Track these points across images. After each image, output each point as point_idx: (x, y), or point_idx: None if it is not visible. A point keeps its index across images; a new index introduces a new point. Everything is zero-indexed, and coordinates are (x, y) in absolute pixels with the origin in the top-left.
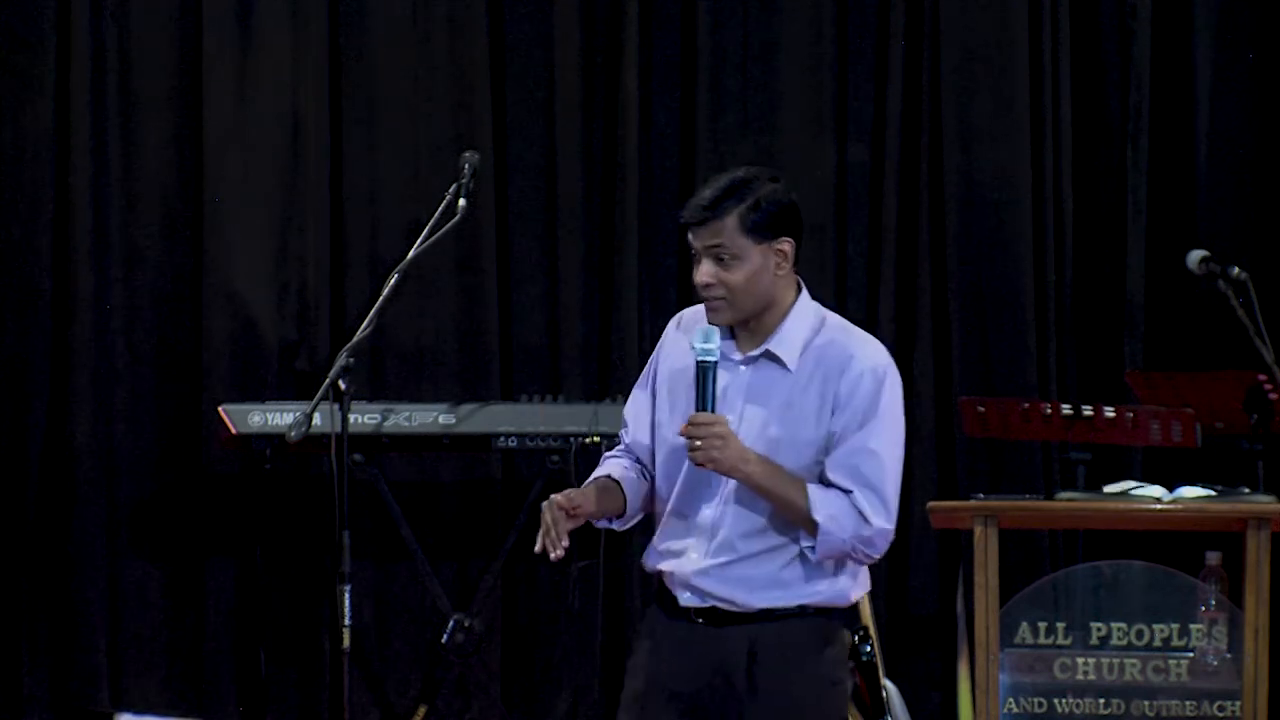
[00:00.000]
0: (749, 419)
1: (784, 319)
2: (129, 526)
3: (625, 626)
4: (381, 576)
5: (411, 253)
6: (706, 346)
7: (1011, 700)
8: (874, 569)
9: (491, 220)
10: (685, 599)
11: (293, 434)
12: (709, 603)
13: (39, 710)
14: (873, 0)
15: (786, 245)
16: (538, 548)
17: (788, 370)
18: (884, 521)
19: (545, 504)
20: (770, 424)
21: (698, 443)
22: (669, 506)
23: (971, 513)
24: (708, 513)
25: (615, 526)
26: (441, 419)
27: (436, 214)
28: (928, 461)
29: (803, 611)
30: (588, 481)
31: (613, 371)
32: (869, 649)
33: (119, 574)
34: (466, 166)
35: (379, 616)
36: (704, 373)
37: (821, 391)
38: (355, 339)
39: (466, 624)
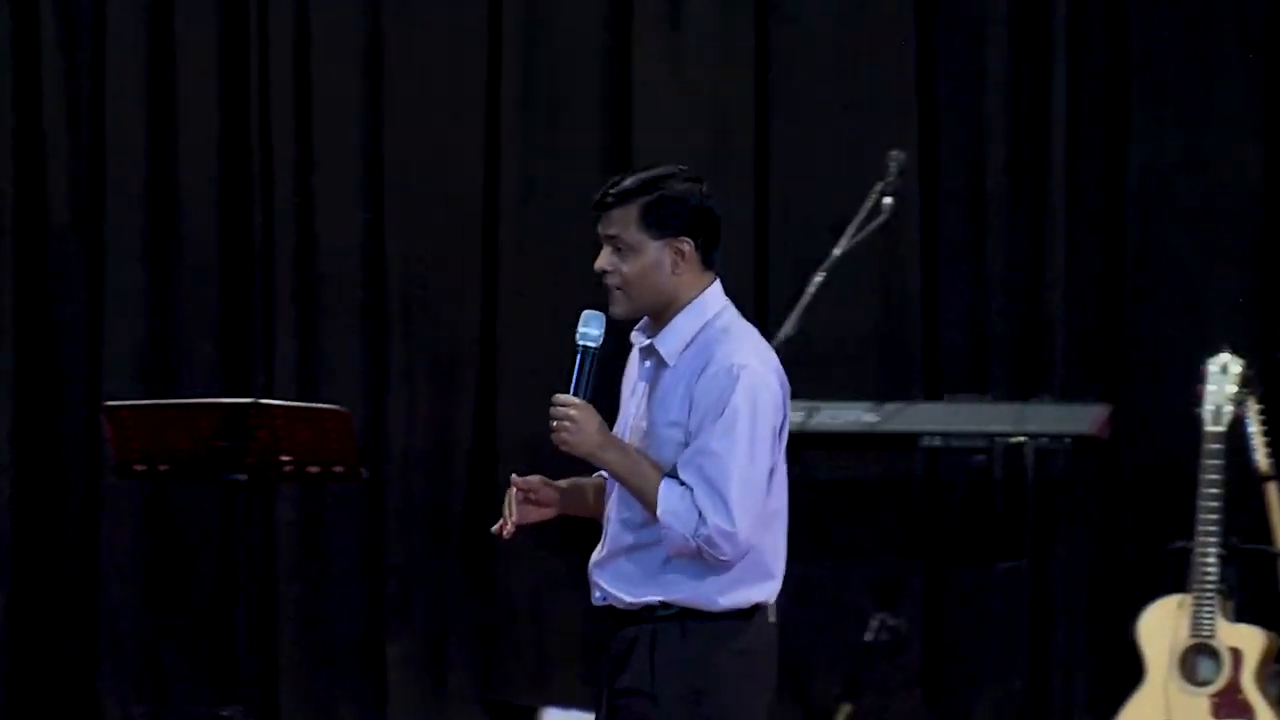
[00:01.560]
0: (634, 409)
1: (675, 316)
2: (555, 523)
3: (1052, 628)
4: (805, 574)
5: (837, 250)
6: (585, 330)
7: None
8: None
9: (916, 218)
10: (594, 597)
11: None
12: (606, 600)
13: (465, 704)
14: None
15: (685, 245)
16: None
17: (669, 366)
18: (722, 522)
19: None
20: (651, 417)
21: (553, 424)
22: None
23: None
24: (608, 507)
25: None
26: (865, 417)
27: (862, 212)
28: None
29: (671, 613)
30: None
31: (1040, 370)
32: None
33: (543, 571)
34: (893, 165)
35: (802, 614)
36: (579, 356)
37: (686, 389)
38: (779, 337)
39: (889, 623)
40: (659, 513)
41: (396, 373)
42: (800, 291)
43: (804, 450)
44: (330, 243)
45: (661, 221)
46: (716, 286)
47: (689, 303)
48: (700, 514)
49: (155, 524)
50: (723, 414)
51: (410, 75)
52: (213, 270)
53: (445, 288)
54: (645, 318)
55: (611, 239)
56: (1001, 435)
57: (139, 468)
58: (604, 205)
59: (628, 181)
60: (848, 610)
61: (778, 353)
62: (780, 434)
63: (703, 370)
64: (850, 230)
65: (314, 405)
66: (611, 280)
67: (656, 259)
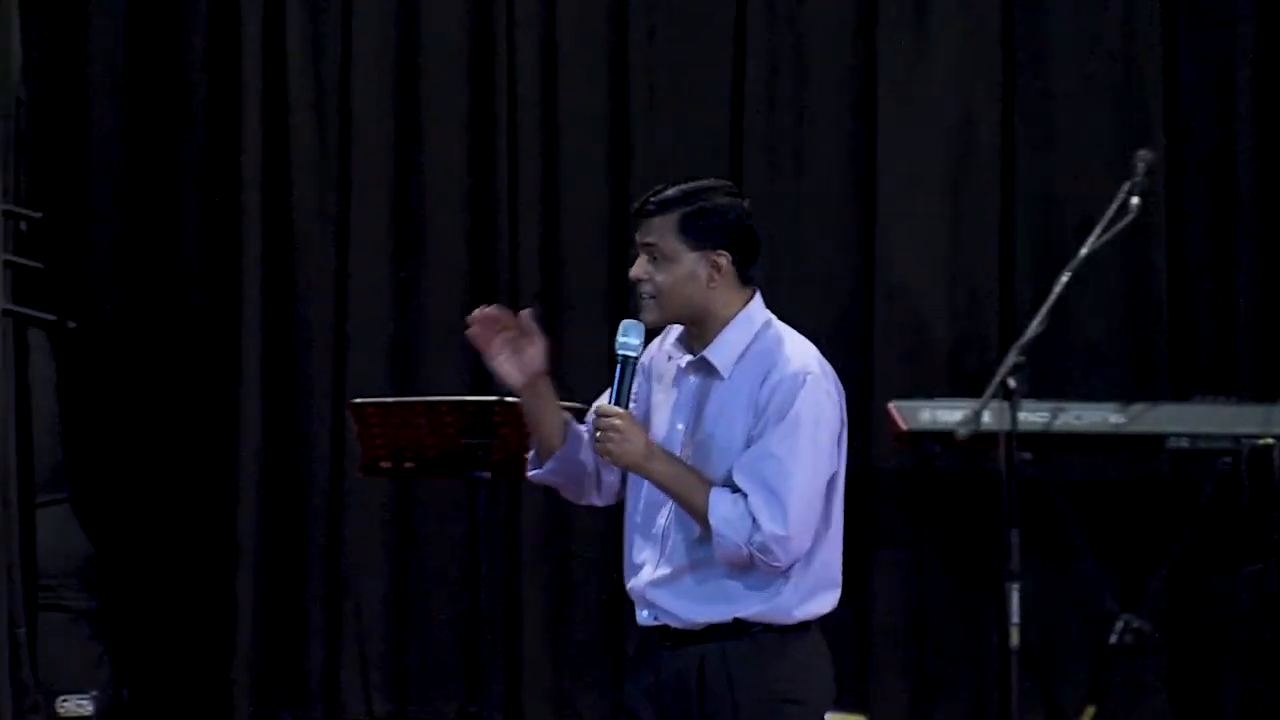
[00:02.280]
0: (685, 423)
1: (724, 328)
2: None
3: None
4: (1049, 575)
5: (1084, 251)
6: (625, 340)
7: None
8: None
9: (1162, 219)
10: (642, 617)
11: (962, 431)
12: (661, 620)
13: None
14: None
15: (722, 258)
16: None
17: (722, 378)
18: (778, 527)
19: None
20: (702, 429)
21: (598, 435)
22: (636, 516)
23: None
24: (660, 522)
25: (536, 472)
26: (1111, 418)
27: (1109, 212)
28: None
29: (743, 628)
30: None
31: None
32: None
33: None
34: (1141, 165)
35: (1047, 615)
36: (619, 366)
37: (748, 398)
38: (1025, 337)
39: (1135, 625)
40: (712, 521)
41: None
42: (1046, 292)
43: (1050, 452)
44: (574, 243)
45: (700, 232)
46: (758, 300)
47: (733, 317)
48: (754, 519)
49: (400, 522)
50: (785, 419)
51: (654, 79)
52: (459, 270)
53: None
54: (677, 337)
55: (649, 247)
56: (1249, 437)
57: (385, 465)
58: (643, 213)
59: (670, 191)
60: (1092, 612)
61: (1025, 353)
62: (840, 442)
63: (765, 377)
64: (1097, 230)
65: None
66: (645, 289)
67: (692, 270)
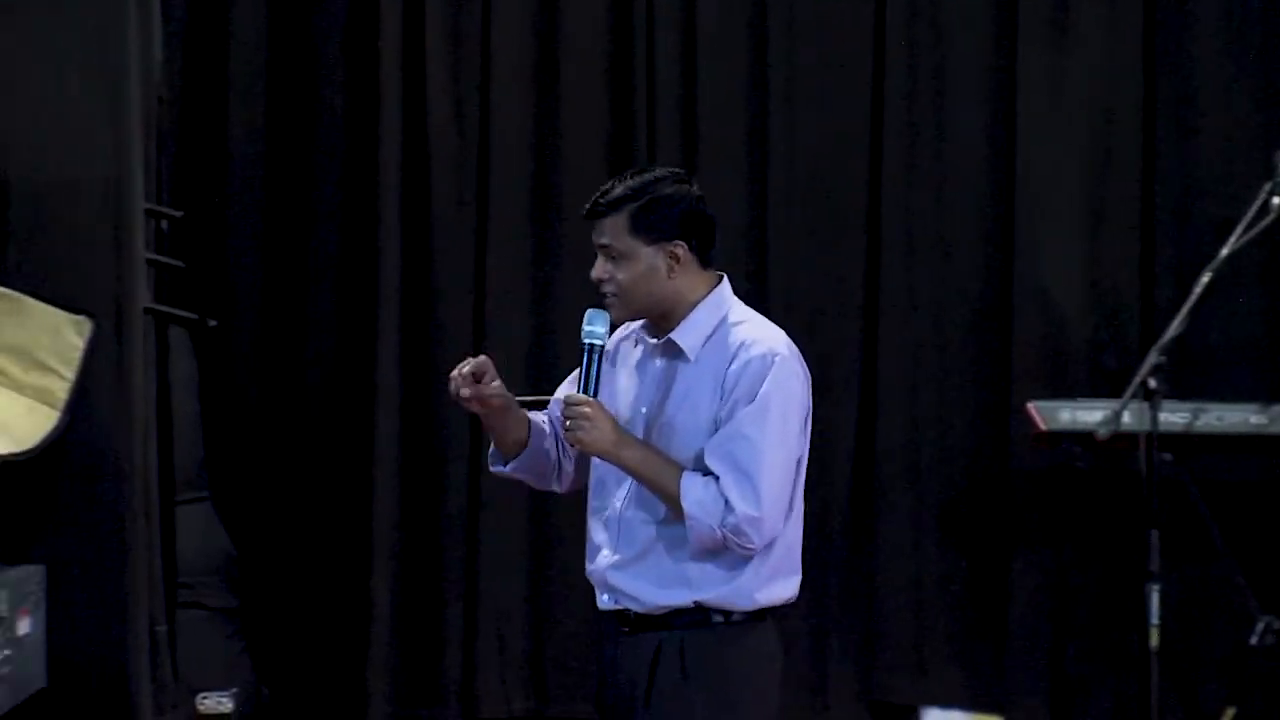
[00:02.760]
0: (652, 406)
1: (691, 311)
2: (935, 522)
3: None
4: (1190, 576)
5: (1224, 251)
6: (591, 329)
7: None
8: None
9: None
10: (602, 601)
11: (1101, 431)
12: (621, 603)
13: (845, 702)
14: None
15: (679, 248)
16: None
17: (689, 360)
18: (751, 508)
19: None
20: (668, 411)
21: (569, 423)
22: (594, 503)
23: None
24: (616, 504)
25: (500, 469)
26: (1252, 419)
27: (1250, 213)
28: None
29: (703, 614)
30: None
31: None
32: None
33: (924, 569)
34: None
35: (1187, 616)
36: (585, 355)
37: (714, 380)
38: (1166, 337)
39: (1276, 626)
40: (684, 505)
41: None
42: (1187, 292)
43: (1190, 453)
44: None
45: (652, 226)
46: (725, 284)
47: (701, 300)
48: (727, 502)
49: (537, 521)
50: (755, 399)
51: (793, 75)
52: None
53: (826, 280)
54: (643, 322)
55: (605, 248)
56: None
57: None
58: (594, 214)
59: (617, 189)
60: (1233, 613)
61: (1165, 353)
62: (806, 424)
63: (732, 358)
64: (1238, 231)
65: None
66: (607, 288)
67: (651, 265)
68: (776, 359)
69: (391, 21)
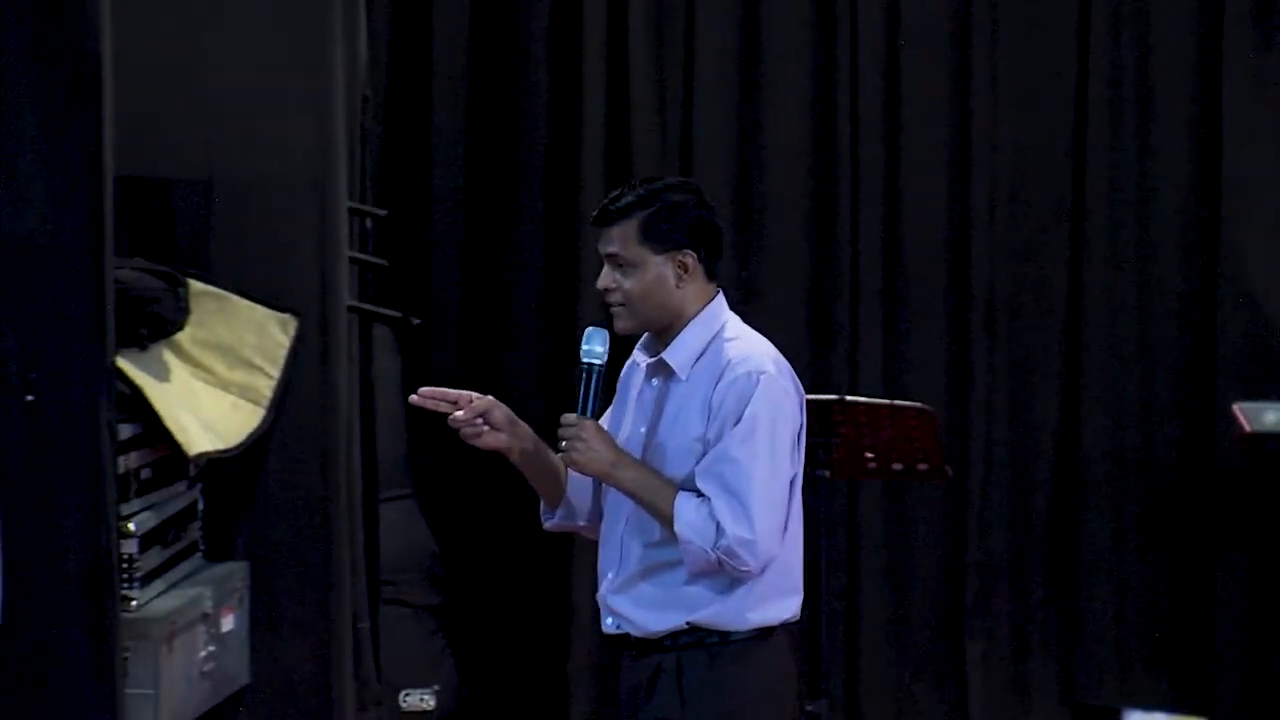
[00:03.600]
0: (645, 427)
1: (684, 328)
2: (1138, 524)
3: None
4: None
5: None
6: (590, 349)
7: None
8: None
9: None
10: (606, 625)
11: None
12: (622, 627)
13: (1048, 705)
14: None
15: (689, 257)
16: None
17: (680, 380)
18: (743, 530)
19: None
20: (660, 432)
21: (563, 443)
22: (603, 527)
23: None
24: (619, 528)
25: (552, 521)
26: None
27: None
28: None
29: (698, 636)
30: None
31: None
32: None
33: (1126, 571)
34: None
35: None
36: (584, 375)
37: (702, 399)
38: None
39: None
40: (677, 528)
41: (980, 372)
42: None
43: None
44: (914, 242)
45: (663, 235)
46: (721, 299)
47: (695, 315)
48: (719, 525)
49: None
50: (741, 420)
51: (996, 77)
52: (800, 268)
53: (1029, 285)
54: (645, 336)
55: (612, 256)
56: None
57: None
58: (602, 221)
59: (627, 196)
60: None
61: None
62: (799, 441)
63: (719, 378)
64: None
65: (898, 403)
66: (614, 298)
67: (659, 273)
68: (762, 377)
69: (594, 21)
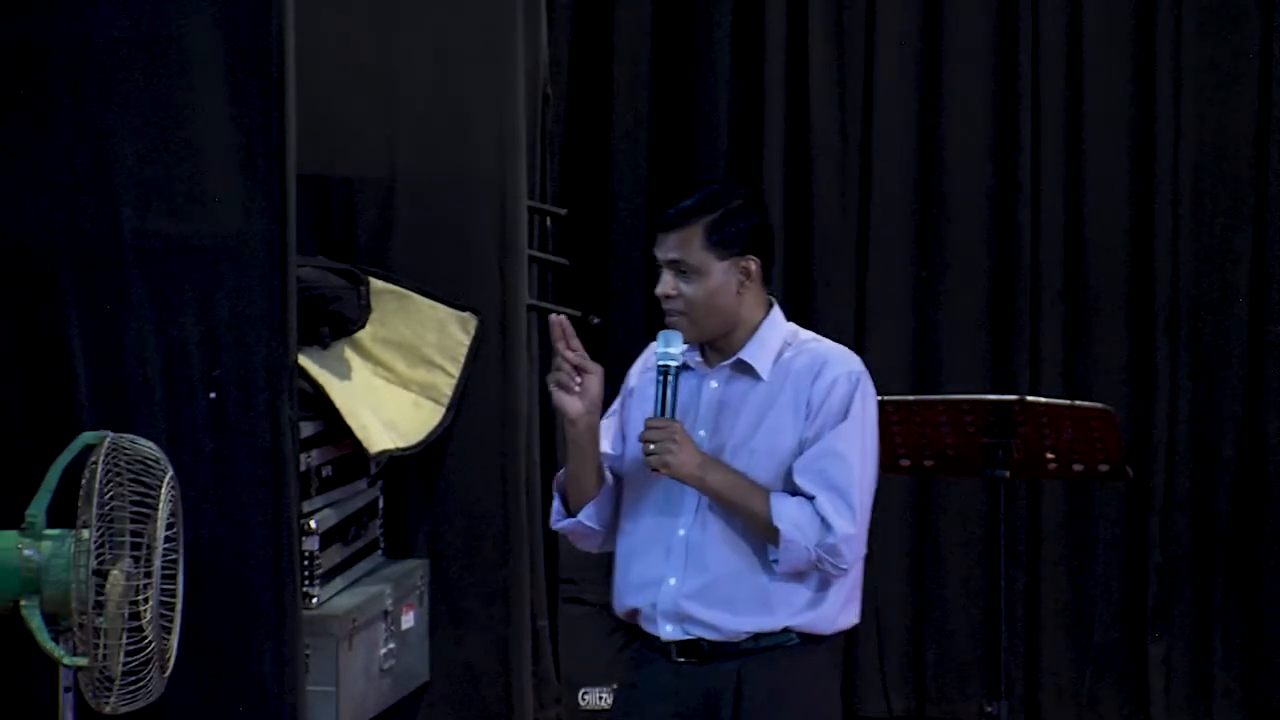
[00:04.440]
0: (722, 431)
1: (754, 332)
2: None
3: None
4: None
5: None
6: (667, 350)
7: None
8: None
9: None
10: (667, 632)
11: None
12: (693, 634)
13: (1230, 708)
14: None
15: (752, 263)
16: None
17: (760, 380)
18: (849, 527)
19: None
20: (745, 435)
21: (651, 446)
22: (640, 531)
23: None
24: (683, 531)
25: (566, 522)
26: None
27: None
28: None
29: (788, 637)
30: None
31: None
32: None
33: None
34: None
35: None
36: (661, 377)
37: (794, 400)
38: None
39: None
40: (780, 526)
41: (1161, 372)
42: None
43: None
44: (1096, 240)
45: (726, 241)
46: (776, 306)
47: (762, 320)
48: (824, 521)
49: (918, 521)
50: (845, 418)
51: (1179, 75)
52: (980, 268)
53: (1211, 285)
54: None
55: (674, 263)
56: None
57: (904, 463)
58: (665, 227)
59: (688, 202)
60: None
61: None
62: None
63: (816, 376)
64: None
65: (1079, 403)
66: (674, 305)
67: (723, 280)
68: (861, 378)
69: (775, 23)
